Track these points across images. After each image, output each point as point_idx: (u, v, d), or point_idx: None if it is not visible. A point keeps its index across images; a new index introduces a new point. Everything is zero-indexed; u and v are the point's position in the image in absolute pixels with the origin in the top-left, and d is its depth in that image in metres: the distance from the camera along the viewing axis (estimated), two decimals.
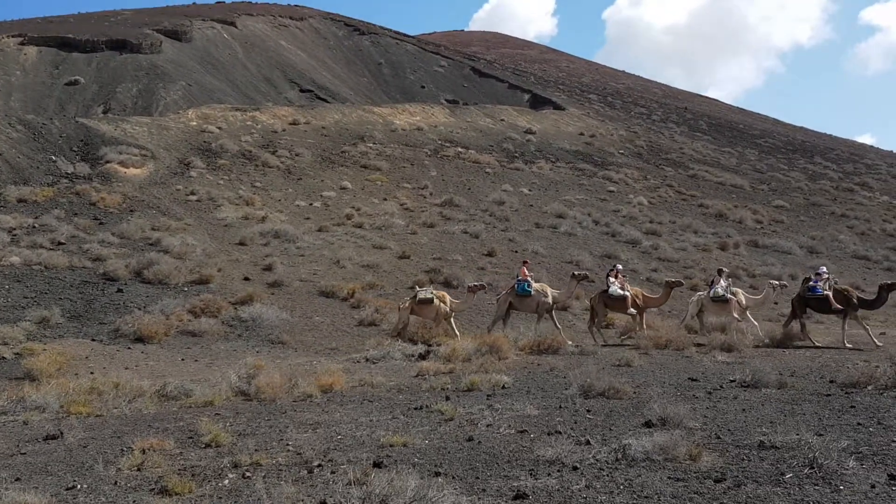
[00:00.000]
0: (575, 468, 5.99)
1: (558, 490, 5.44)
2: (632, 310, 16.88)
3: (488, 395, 9.80)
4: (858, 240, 37.02)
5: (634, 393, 9.52)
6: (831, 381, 10.37)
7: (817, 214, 42.27)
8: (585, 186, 41.64)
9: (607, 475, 5.81)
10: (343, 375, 11.27)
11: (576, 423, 7.90)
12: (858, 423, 7.67)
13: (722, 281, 16.94)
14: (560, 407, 8.82)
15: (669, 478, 5.74)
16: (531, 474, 5.86)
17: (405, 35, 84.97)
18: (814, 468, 5.89)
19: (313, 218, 29.32)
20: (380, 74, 71.05)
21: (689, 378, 10.92)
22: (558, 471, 5.95)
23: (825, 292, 15.51)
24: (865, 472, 5.84)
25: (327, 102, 52.51)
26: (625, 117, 64.56)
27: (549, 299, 17.09)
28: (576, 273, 17.77)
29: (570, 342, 15.65)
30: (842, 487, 5.50)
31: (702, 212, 39.38)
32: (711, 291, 16.85)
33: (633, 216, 36.29)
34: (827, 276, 16.12)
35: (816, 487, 5.51)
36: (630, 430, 7.38)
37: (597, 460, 6.19)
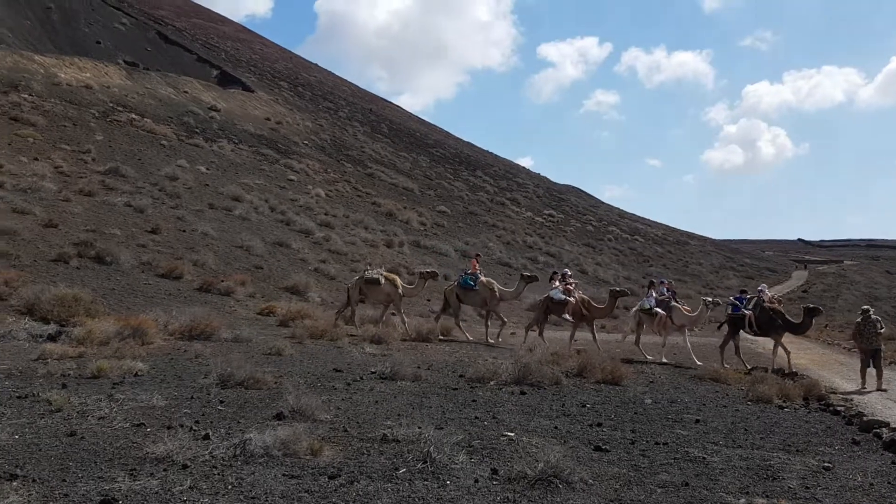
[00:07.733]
0: (185, 466, 5.51)
1: (156, 493, 4.92)
2: (566, 315, 16.69)
3: (115, 384, 8.87)
4: (504, 248, 41.52)
5: (276, 383, 9.30)
6: (461, 376, 11.15)
7: (473, 222, 46.55)
8: (266, 172, 40.87)
9: (218, 474, 5.42)
10: None
11: (203, 415, 7.41)
12: (476, 417, 8.27)
13: (653, 293, 16.71)
14: (192, 398, 8.25)
15: (284, 475, 5.54)
16: (131, 475, 5.25)
17: None
18: (427, 462, 6.03)
19: None
20: (48, 20, 62.28)
21: (333, 369, 11.03)
22: (164, 470, 5.41)
23: (744, 312, 15.30)
24: (472, 467, 6.13)
25: None
26: (313, 109, 64.84)
27: (498, 295, 17.31)
28: (525, 274, 17.91)
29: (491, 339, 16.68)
30: (448, 482, 5.68)
31: (374, 209, 40.99)
32: (639, 304, 16.85)
33: (310, 207, 36.48)
34: (755, 296, 15.69)
35: (425, 482, 5.64)
36: (259, 422, 7.11)
37: (213, 457, 5.78)
